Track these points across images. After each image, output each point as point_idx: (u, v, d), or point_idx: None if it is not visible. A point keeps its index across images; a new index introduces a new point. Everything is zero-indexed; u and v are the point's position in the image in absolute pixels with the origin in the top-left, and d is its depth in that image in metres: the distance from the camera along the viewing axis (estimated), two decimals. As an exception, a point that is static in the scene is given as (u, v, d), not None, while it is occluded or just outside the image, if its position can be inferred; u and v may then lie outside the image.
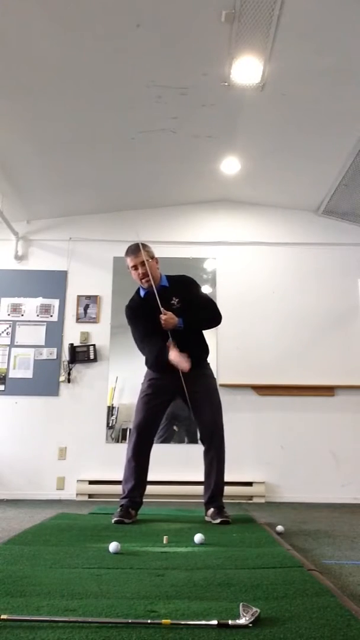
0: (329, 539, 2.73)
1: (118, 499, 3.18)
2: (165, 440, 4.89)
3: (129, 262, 3.14)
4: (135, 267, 3.13)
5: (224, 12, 2.95)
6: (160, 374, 3.18)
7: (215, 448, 3.11)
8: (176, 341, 3.01)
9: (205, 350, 3.28)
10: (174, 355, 2.95)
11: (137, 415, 3.21)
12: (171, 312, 3.03)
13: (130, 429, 3.42)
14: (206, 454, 3.14)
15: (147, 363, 3.27)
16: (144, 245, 3.15)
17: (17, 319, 5.20)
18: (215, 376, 3.38)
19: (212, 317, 3.25)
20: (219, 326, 3.38)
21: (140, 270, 3.11)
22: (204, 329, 3.26)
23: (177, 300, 3.13)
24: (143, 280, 3.14)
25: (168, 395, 3.20)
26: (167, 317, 3.00)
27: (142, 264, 3.09)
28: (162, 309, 3.02)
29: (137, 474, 3.11)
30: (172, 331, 3.02)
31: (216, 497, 3.12)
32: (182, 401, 3.18)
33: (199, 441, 3.23)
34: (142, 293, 3.22)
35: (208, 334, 3.35)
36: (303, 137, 4.27)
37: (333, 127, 4.09)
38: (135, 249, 3.13)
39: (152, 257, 3.18)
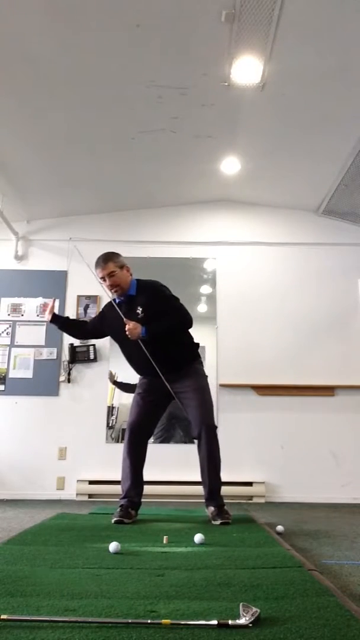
0: (329, 539, 2.74)
1: (118, 499, 3.18)
2: (165, 440, 4.89)
3: (98, 273, 3.16)
4: (103, 279, 3.15)
5: (224, 12, 2.95)
6: (144, 377, 3.26)
7: (206, 444, 3.09)
8: (150, 348, 3.06)
9: (187, 350, 3.27)
10: (129, 329, 3.03)
11: (130, 414, 3.25)
12: (134, 322, 3.04)
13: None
14: (198, 450, 3.14)
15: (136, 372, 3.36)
16: (113, 256, 3.18)
17: (17, 319, 5.20)
18: (207, 374, 3.34)
19: (173, 324, 3.17)
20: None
21: (108, 282, 3.14)
22: (169, 336, 3.16)
23: (141, 309, 3.13)
24: (112, 291, 3.18)
25: (160, 394, 3.20)
26: (131, 328, 3.02)
27: (110, 275, 3.12)
28: (125, 319, 3.06)
29: (133, 473, 3.13)
30: (141, 340, 3.05)
31: (215, 495, 3.11)
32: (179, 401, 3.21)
33: (192, 438, 3.23)
34: (116, 299, 3.23)
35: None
36: (303, 137, 4.27)
37: (333, 127, 4.09)
38: (102, 261, 3.15)
39: (122, 267, 3.17)
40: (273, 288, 5.30)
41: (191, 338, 3.31)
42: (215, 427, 3.15)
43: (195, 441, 3.15)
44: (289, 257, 5.39)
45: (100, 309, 3.45)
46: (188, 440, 4.95)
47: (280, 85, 3.60)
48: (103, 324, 3.35)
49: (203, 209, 5.48)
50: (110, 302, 3.29)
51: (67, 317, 3.61)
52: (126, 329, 3.03)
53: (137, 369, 3.31)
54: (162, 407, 3.32)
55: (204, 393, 3.19)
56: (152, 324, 3.06)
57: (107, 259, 3.15)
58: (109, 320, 3.26)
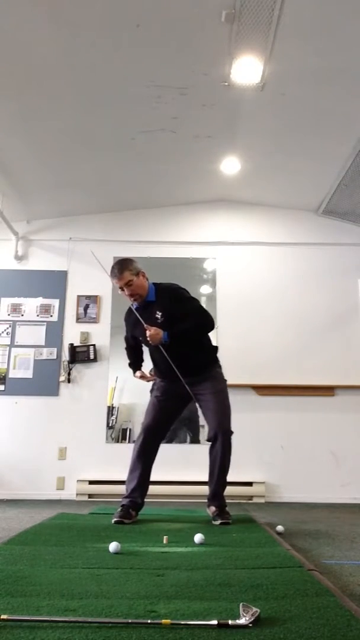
0: (329, 539, 2.74)
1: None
2: (168, 440, 4.88)
3: (115, 283, 3.13)
4: (121, 289, 3.11)
5: (224, 12, 2.95)
6: (164, 380, 3.22)
7: (220, 449, 3.09)
8: (170, 352, 3.02)
9: (206, 354, 3.24)
10: (150, 335, 3.01)
11: (146, 416, 3.22)
12: (156, 327, 3.01)
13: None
14: (210, 452, 3.14)
15: (156, 373, 3.31)
16: (127, 263, 3.12)
17: (17, 319, 5.20)
18: (225, 377, 3.30)
19: (196, 326, 3.14)
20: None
21: (126, 292, 3.10)
22: (192, 338, 3.14)
23: (160, 314, 3.09)
24: (132, 300, 3.14)
25: (178, 398, 3.19)
26: (152, 334, 2.99)
27: (127, 284, 3.07)
28: (146, 325, 3.02)
29: (140, 475, 3.11)
30: (162, 345, 3.02)
31: (218, 496, 3.12)
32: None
33: (207, 440, 3.19)
34: (134, 305, 3.20)
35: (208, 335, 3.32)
36: (303, 137, 4.27)
37: (333, 127, 4.09)
38: (118, 271, 3.08)
39: (138, 273, 3.11)
40: (273, 288, 5.30)
41: (210, 341, 3.28)
42: (232, 433, 3.12)
43: (207, 442, 3.15)
44: (289, 257, 5.39)
45: (124, 318, 3.35)
46: (188, 440, 4.96)
47: (280, 85, 3.60)
48: (133, 332, 3.29)
49: (203, 209, 5.48)
50: (129, 309, 3.27)
51: (137, 359, 3.43)
52: (147, 335, 3.00)
53: (159, 372, 3.24)
54: (178, 411, 3.32)
55: (223, 397, 3.17)
56: (175, 328, 3.02)
57: (123, 269, 3.07)
58: (132, 325, 3.24)
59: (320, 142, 4.31)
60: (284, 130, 4.20)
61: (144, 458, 3.13)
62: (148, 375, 3.33)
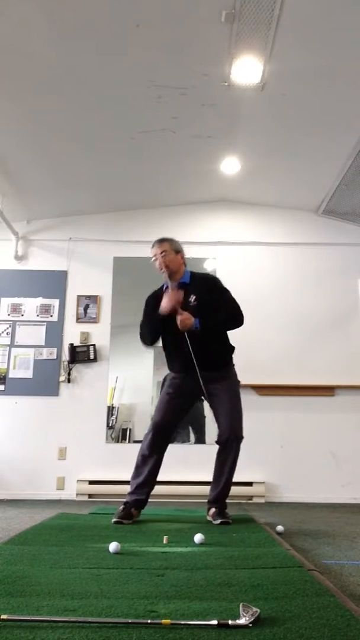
0: (329, 539, 2.73)
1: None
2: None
3: (151, 252, 3.18)
4: (155, 258, 3.15)
5: (224, 12, 2.95)
6: (179, 373, 3.18)
7: (231, 454, 3.09)
8: (194, 342, 2.97)
9: (227, 351, 3.24)
10: (180, 320, 2.92)
11: (156, 413, 3.20)
12: (187, 312, 2.98)
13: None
14: (219, 455, 3.13)
15: (169, 366, 3.27)
16: (171, 239, 3.21)
17: (17, 319, 5.20)
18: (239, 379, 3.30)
19: (230, 318, 3.16)
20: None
21: (159, 260, 3.13)
22: (222, 330, 3.18)
23: (194, 298, 3.08)
24: (161, 271, 3.14)
25: (189, 395, 3.19)
26: (184, 318, 2.96)
27: (162, 253, 3.12)
28: (179, 309, 2.98)
29: (149, 472, 3.08)
30: (188, 332, 2.98)
31: (220, 499, 3.12)
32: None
33: (216, 442, 3.18)
34: (164, 287, 3.18)
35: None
36: (303, 137, 4.27)
37: (333, 127, 4.09)
38: (158, 241, 3.19)
39: (178, 252, 3.18)
40: (273, 288, 5.29)
41: (229, 339, 3.27)
42: (242, 439, 3.13)
43: (211, 444, 3.14)
44: (289, 257, 5.39)
45: (145, 303, 3.26)
46: (193, 440, 4.95)
47: (280, 85, 3.60)
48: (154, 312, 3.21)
49: (203, 209, 5.48)
50: (154, 293, 3.24)
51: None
52: (179, 319, 2.95)
53: (176, 363, 3.19)
54: (188, 408, 3.31)
55: (237, 401, 3.18)
56: (209, 317, 3.01)
57: (164, 240, 3.19)
58: (157, 308, 3.13)
59: (320, 142, 4.31)
60: (284, 130, 4.20)
61: (154, 455, 3.10)
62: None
